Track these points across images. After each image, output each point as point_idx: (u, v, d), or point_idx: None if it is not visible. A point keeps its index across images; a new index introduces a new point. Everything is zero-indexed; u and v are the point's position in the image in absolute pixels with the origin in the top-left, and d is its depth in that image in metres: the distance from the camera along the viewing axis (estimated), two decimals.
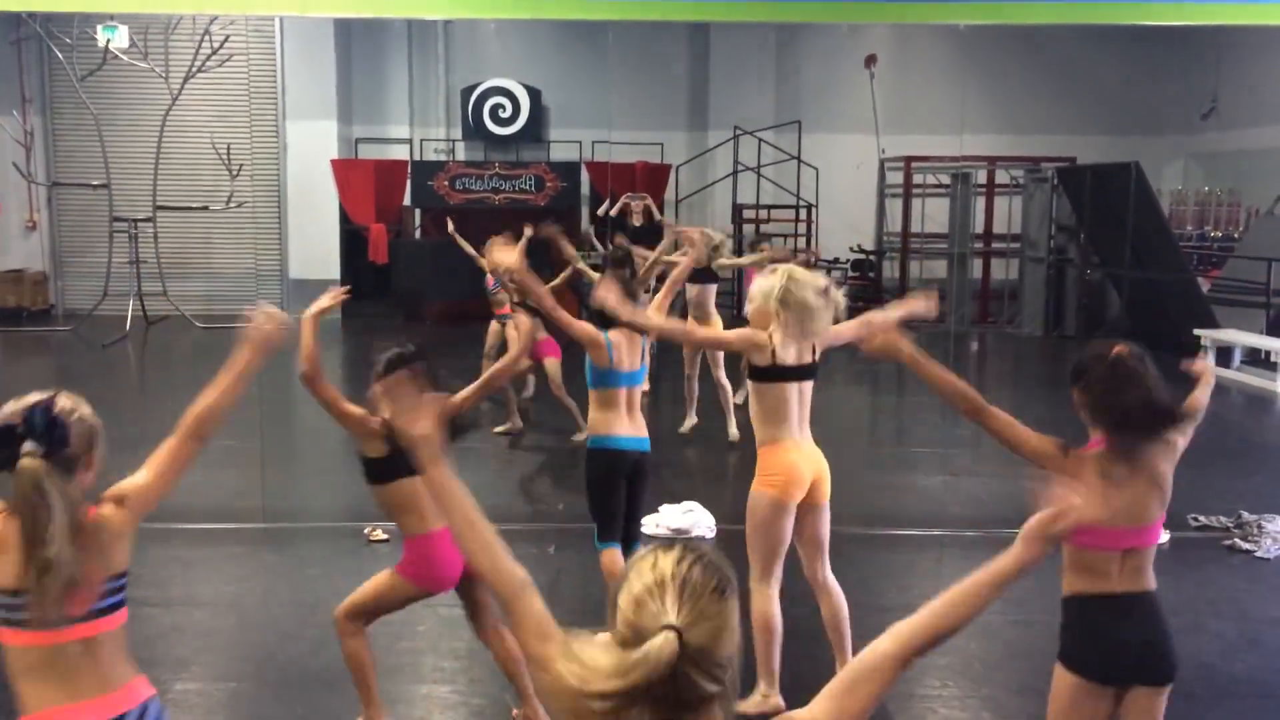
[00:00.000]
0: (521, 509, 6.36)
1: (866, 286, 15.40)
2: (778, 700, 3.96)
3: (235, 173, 13.56)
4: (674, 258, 7.85)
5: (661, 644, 1.42)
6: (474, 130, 15.11)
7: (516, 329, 7.18)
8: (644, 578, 1.49)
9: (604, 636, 1.50)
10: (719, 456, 7.99)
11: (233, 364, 2.62)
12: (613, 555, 4.41)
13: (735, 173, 14.82)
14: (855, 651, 3.23)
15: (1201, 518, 6.21)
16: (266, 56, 14.73)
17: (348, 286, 4.08)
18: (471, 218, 15.02)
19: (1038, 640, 4.42)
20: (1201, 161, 15.23)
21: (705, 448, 7.92)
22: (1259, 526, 6.04)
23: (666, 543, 1.55)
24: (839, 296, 3.93)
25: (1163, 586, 5.27)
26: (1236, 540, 5.91)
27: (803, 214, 14.78)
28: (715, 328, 7.58)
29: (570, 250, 7.95)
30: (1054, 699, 2.83)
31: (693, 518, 5.96)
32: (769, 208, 14.79)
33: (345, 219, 14.68)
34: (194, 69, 13.07)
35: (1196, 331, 11.49)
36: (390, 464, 3.44)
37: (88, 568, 2.14)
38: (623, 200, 13.27)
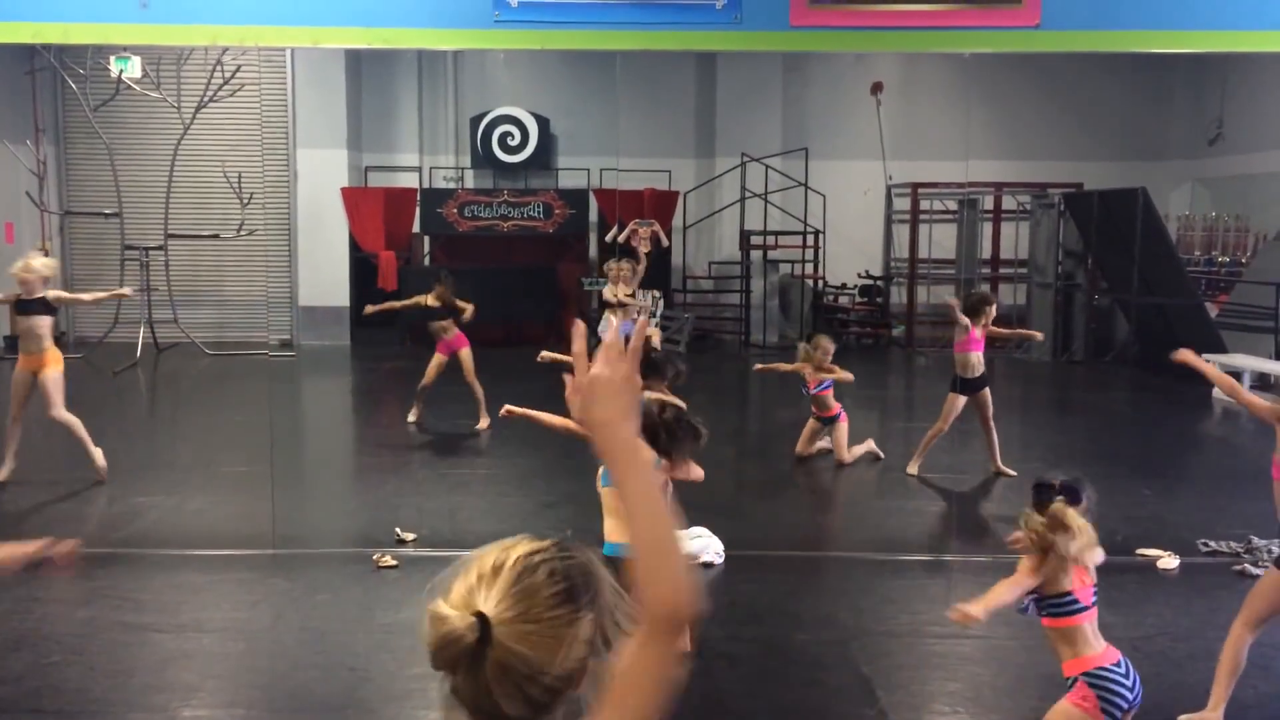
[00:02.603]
0: (529, 534, 6.35)
1: (874, 312, 15.43)
2: None
3: (246, 201, 13.65)
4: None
5: (456, 623, 1.29)
6: (483, 158, 15.20)
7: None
8: (486, 559, 1.36)
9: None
10: (727, 482, 7.99)
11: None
12: None
13: (743, 199, 14.87)
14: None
15: (1211, 543, 6.19)
16: (278, 86, 14.87)
17: None
18: (480, 244, 15.13)
19: (1047, 665, 4.39)
20: (1208, 187, 15.25)
21: (712, 474, 7.91)
22: (1269, 551, 6.01)
23: (538, 536, 1.40)
24: None
25: (1172, 612, 5.29)
26: (1247, 565, 5.88)
27: (810, 240, 14.82)
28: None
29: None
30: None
31: (701, 543, 5.95)
32: (776, 234, 14.84)
33: (355, 247, 14.76)
34: (206, 99, 13.20)
35: (1205, 357, 11.46)
36: None
37: None
38: (630, 227, 13.36)
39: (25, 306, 7.14)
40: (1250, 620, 4.09)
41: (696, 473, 4.30)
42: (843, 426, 8.13)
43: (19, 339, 7.29)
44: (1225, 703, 4.10)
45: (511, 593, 1.33)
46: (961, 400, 7.64)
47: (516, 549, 1.38)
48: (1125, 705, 3.40)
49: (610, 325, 10.03)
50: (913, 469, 7.74)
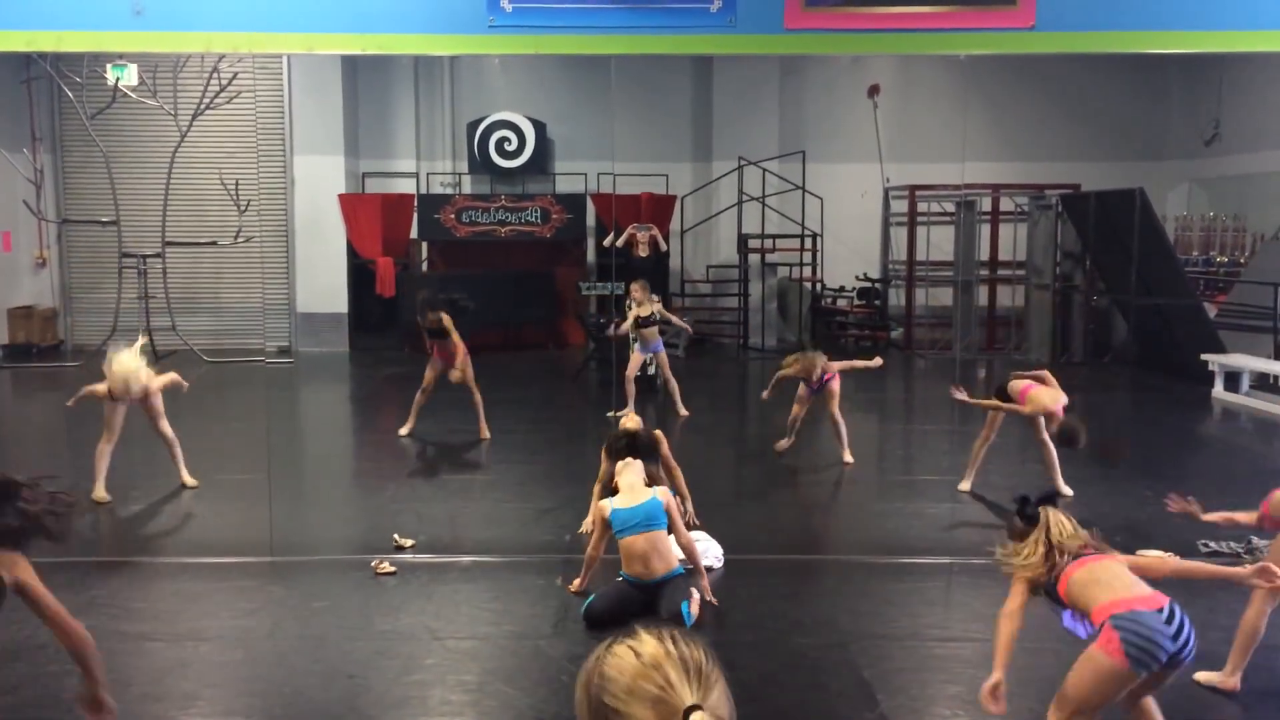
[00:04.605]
0: (528, 540, 6.35)
1: (872, 315, 15.42)
2: None
3: (243, 208, 13.65)
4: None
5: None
6: (480, 163, 15.20)
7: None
8: (636, 667, 1.48)
9: None
10: (727, 486, 7.98)
11: None
12: None
13: (740, 203, 14.87)
14: None
15: (1212, 544, 6.17)
16: (274, 93, 14.87)
17: None
18: (478, 250, 15.13)
19: (1047, 669, 4.39)
20: (1206, 187, 15.26)
21: (712, 478, 7.90)
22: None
23: (627, 632, 1.50)
24: None
25: None
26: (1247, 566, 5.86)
27: (808, 243, 14.82)
28: None
29: None
30: None
31: (701, 547, 5.93)
32: (774, 237, 14.84)
33: (353, 253, 14.76)
34: (202, 106, 13.20)
35: (1204, 357, 11.47)
36: None
37: None
38: (628, 231, 13.35)
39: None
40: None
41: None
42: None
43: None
44: (1242, 669, 4.31)
45: (691, 675, 1.49)
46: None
47: (646, 645, 1.51)
48: (1161, 655, 3.17)
49: (635, 356, 10.10)
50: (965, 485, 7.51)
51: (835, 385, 8.19)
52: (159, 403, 7.38)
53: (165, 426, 7.43)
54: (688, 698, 1.44)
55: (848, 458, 8.18)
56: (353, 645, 4.82)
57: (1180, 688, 4.29)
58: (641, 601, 5.08)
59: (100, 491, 7.07)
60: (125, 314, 13.64)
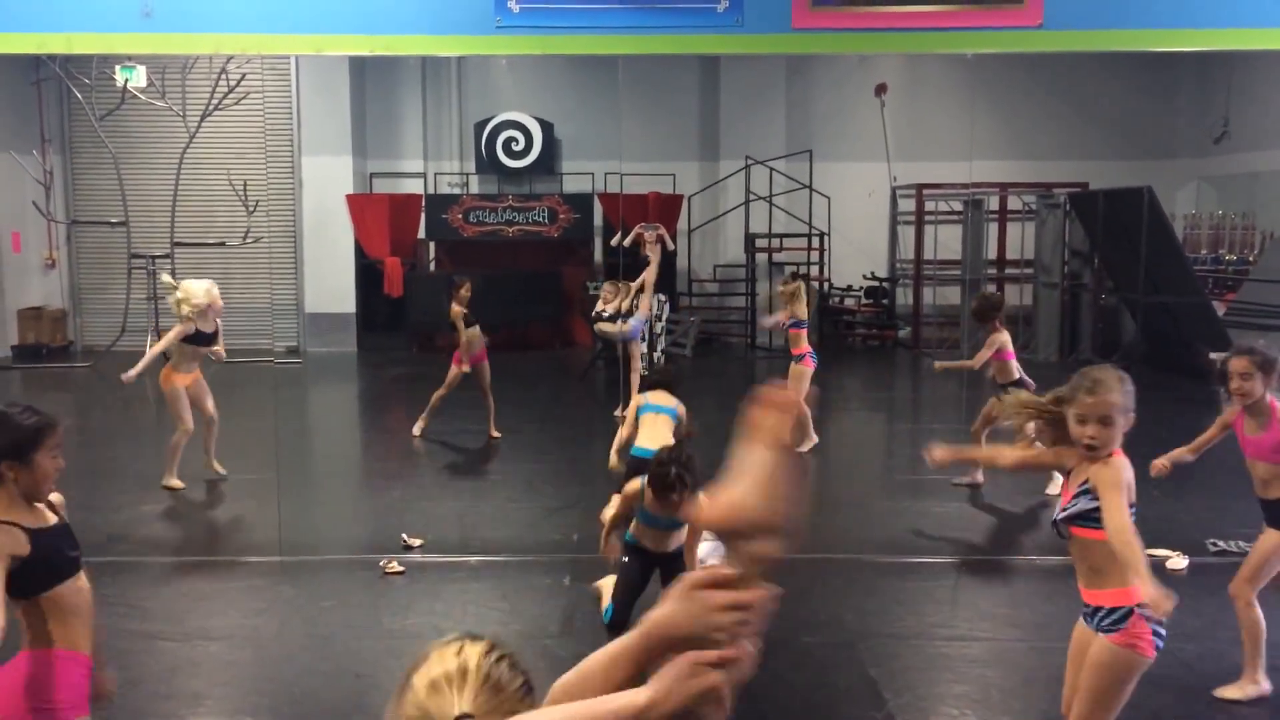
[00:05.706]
0: (536, 539, 6.36)
1: (880, 314, 15.40)
2: None
3: (252, 209, 13.68)
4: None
5: None
6: (487, 163, 15.22)
7: None
8: (445, 663, 1.41)
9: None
10: None
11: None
12: None
13: (747, 202, 14.87)
14: None
15: (1220, 543, 6.16)
16: (282, 94, 14.90)
17: None
18: (485, 250, 15.15)
19: (1055, 667, 4.38)
20: (1214, 185, 15.21)
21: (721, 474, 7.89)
22: None
23: (473, 635, 1.47)
24: None
25: (1181, 613, 5.23)
26: None
27: (815, 242, 14.81)
28: None
29: None
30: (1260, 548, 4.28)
31: (709, 547, 5.93)
32: (781, 236, 14.83)
33: (361, 253, 14.79)
34: (211, 107, 13.23)
35: (1212, 355, 11.43)
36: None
37: None
38: (636, 231, 13.33)
39: (208, 338, 7.63)
40: (1250, 576, 4.29)
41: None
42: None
43: (180, 359, 7.60)
44: (1263, 667, 4.28)
45: (484, 691, 1.40)
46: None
47: (470, 650, 1.44)
48: (1162, 642, 3.15)
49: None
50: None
51: (804, 366, 8.28)
52: (204, 387, 7.62)
53: (211, 405, 7.65)
54: (463, 707, 1.37)
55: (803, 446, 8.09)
56: (360, 644, 4.83)
57: (1213, 703, 4.27)
58: (648, 576, 4.99)
59: (173, 480, 7.39)
60: (134, 315, 13.69)
